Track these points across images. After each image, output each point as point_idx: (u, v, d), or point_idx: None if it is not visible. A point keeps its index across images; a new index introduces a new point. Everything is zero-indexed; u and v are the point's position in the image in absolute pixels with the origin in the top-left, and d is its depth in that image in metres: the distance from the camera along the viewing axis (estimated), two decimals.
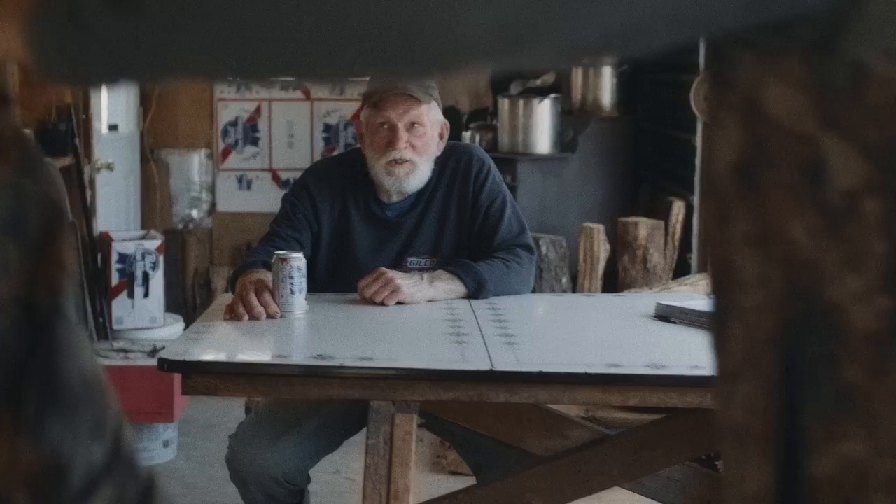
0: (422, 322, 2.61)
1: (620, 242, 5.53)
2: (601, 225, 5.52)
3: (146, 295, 4.99)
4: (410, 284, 2.83)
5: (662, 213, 5.73)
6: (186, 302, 6.72)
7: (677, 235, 5.57)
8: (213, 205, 7.02)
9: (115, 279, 4.97)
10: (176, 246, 6.63)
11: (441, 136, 3.12)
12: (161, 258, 5.02)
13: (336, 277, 3.09)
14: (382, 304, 2.79)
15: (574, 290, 5.59)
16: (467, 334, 2.44)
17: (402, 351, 2.28)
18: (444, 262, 3.06)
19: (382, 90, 3.01)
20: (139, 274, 4.98)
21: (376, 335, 2.45)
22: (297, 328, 2.59)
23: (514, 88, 6.46)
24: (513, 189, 5.58)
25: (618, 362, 2.21)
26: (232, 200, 7.01)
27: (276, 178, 7.02)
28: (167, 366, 2.14)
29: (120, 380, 4.24)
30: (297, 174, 6.96)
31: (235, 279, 2.86)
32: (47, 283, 0.72)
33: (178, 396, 4.48)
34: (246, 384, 2.15)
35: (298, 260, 2.63)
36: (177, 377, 4.35)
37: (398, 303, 2.79)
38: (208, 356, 2.18)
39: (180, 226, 6.95)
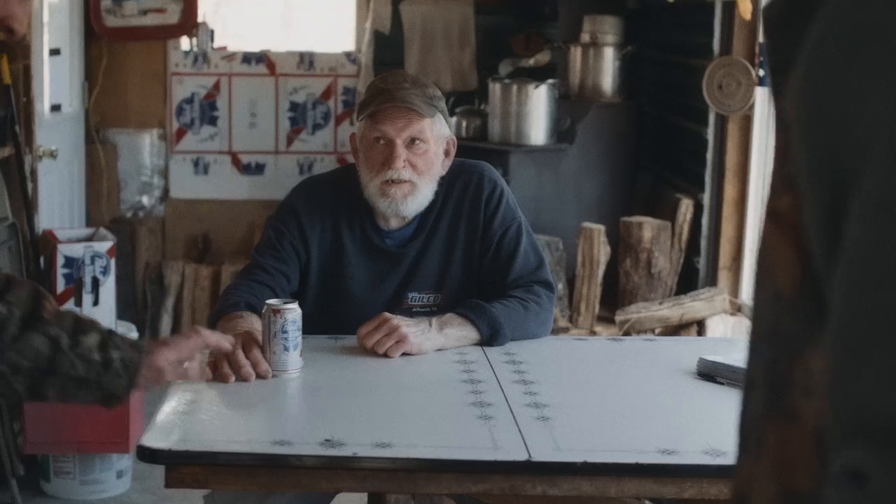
0: (437, 385, 2.46)
1: (622, 244, 5.44)
2: (601, 225, 5.42)
3: (96, 303, 4.79)
4: (417, 332, 2.67)
5: (666, 211, 5.62)
6: (136, 301, 6.54)
7: (685, 237, 5.47)
8: (165, 191, 6.84)
9: (60, 285, 4.76)
10: (124, 237, 6.45)
11: (447, 154, 2.98)
12: (112, 262, 4.82)
13: (327, 314, 2.95)
14: (386, 355, 2.63)
15: (571, 296, 5.47)
16: (492, 405, 2.30)
17: (421, 433, 2.13)
18: (450, 298, 2.93)
19: (380, 101, 2.84)
20: (88, 280, 4.77)
21: (388, 406, 2.29)
22: (293, 397, 2.44)
23: (504, 68, 6.30)
24: None
25: (672, 447, 2.09)
26: (187, 186, 6.84)
27: (236, 161, 6.85)
28: (148, 456, 1.97)
29: (69, 405, 4.05)
30: (260, 158, 7.00)
31: (215, 323, 2.70)
32: None
33: (134, 423, 4.30)
34: (242, 476, 1.98)
35: (293, 312, 2.46)
36: (135, 400, 4.20)
37: (403, 353, 2.64)
38: (196, 442, 2.00)
39: (129, 214, 6.76)
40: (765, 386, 0.76)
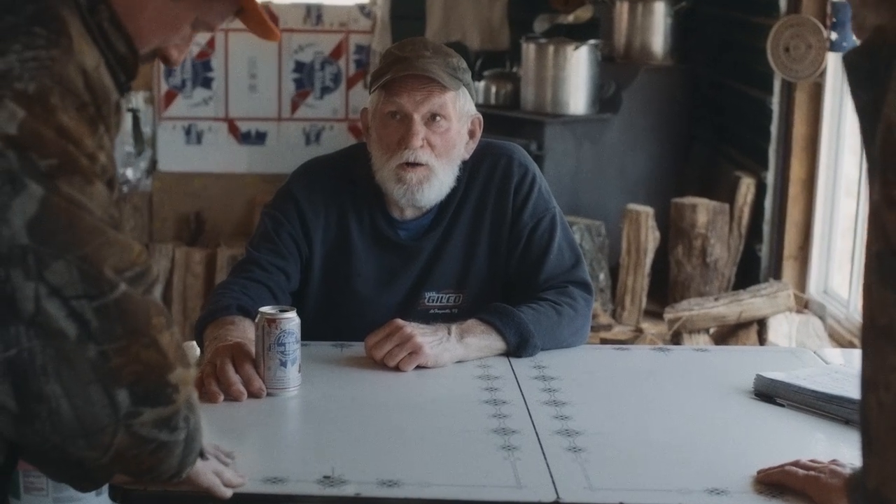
0: (455, 407, 2.43)
1: (673, 229, 5.42)
2: (649, 207, 5.39)
3: None
4: (434, 342, 2.65)
5: (723, 191, 5.60)
6: None
7: (745, 221, 5.45)
8: (153, 163, 6.84)
9: None
10: None
11: (471, 135, 2.95)
12: None
13: (331, 318, 2.93)
14: (398, 368, 2.61)
15: (614, 288, 5.45)
16: (517, 432, 2.27)
17: (435, 468, 2.10)
18: (472, 299, 2.91)
19: (397, 69, 2.81)
20: None
21: (397, 433, 2.27)
22: (290, 422, 2.41)
23: (539, 25, 6.26)
24: (538, 160, 5.42)
25: (722, 485, 2.07)
26: (178, 157, 6.85)
27: (233, 129, 6.86)
28: (121, 497, 1.95)
29: None
30: (260, 126, 6.98)
31: (202, 330, 2.68)
32: None
33: None
34: None
35: (290, 322, 2.44)
36: None
37: (418, 366, 2.62)
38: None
39: None
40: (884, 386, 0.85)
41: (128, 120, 6.72)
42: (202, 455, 1.89)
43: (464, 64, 2.92)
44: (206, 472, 1.92)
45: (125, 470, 1.77)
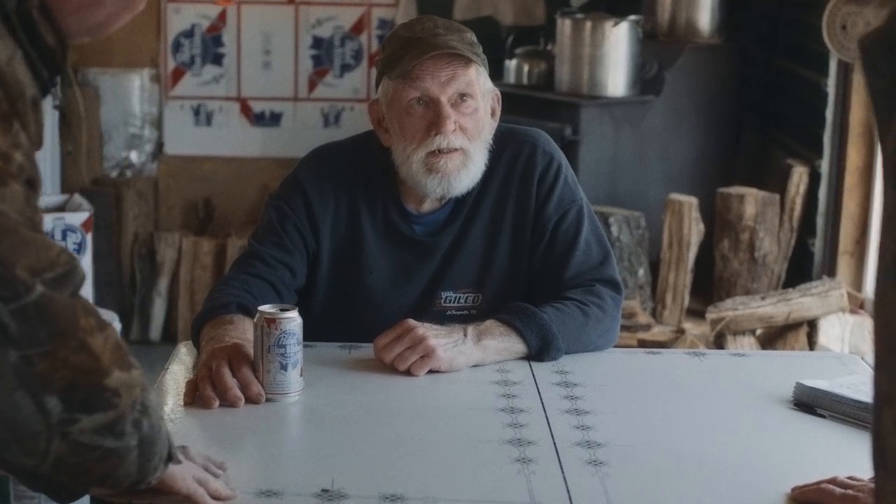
0: (468, 415, 2.45)
1: (719, 221, 5.41)
2: (693, 198, 5.38)
3: None
4: (448, 345, 2.67)
5: (774, 181, 5.58)
6: (122, 282, 6.59)
7: (796, 214, 5.44)
8: (159, 145, 6.89)
9: None
10: (108, 203, 6.49)
11: (492, 113, 2.96)
12: (89, 237, 4.85)
13: (339, 317, 2.97)
14: (409, 372, 2.62)
15: (654, 285, 5.45)
16: (533, 443, 2.29)
17: (442, 481, 2.12)
18: (492, 299, 2.93)
19: (414, 53, 2.82)
20: None
21: (404, 443, 2.29)
22: (288, 430, 2.43)
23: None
24: (573, 146, 5.43)
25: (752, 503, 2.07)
26: (185, 140, 6.88)
27: (245, 110, 6.88)
28: None
29: None
30: (275, 106, 7.00)
31: (199, 329, 2.71)
32: None
33: None
34: None
35: (292, 322, 2.46)
36: None
37: (431, 370, 2.63)
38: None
39: (114, 174, 6.81)
40: None
41: (134, 95, 6.76)
42: (172, 459, 1.90)
43: (475, 38, 2.93)
44: (184, 477, 1.93)
45: (76, 479, 1.78)
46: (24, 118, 1.69)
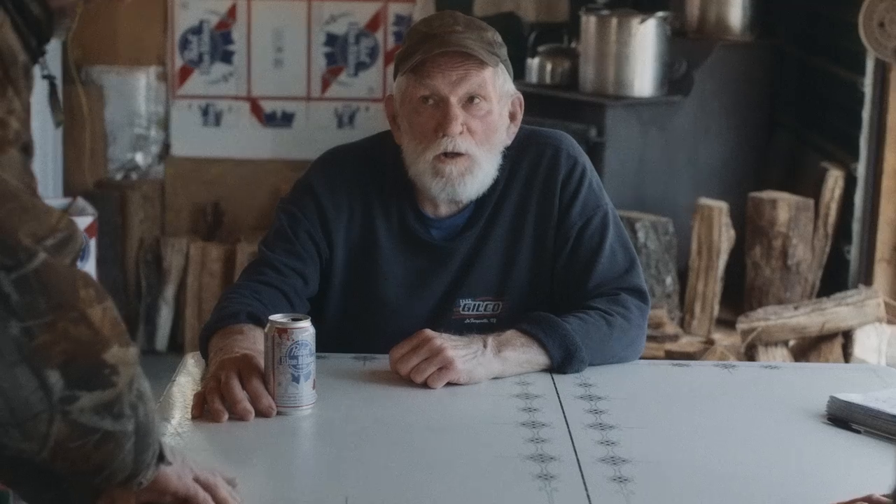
0: (487, 430, 2.45)
1: (751, 227, 5.41)
2: (723, 202, 5.39)
3: None
4: (467, 356, 2.67)
5: (808, 185, 5.59)
6: (127, 289, 6.60)
7: (831, 219, 5.44)
8: (166, 147, 6.91)
9: None
10: (113, 206, 6.51)
11: (512, 117, 2.97)
12: (93, 243, 4.87)
13: (353, 327, 2.98)
14: (426, 385, 2.63)
15: (682, 294, 5.46)
16: (555, 459, 2.29)
17: (460, 497, 2.13)
18: (513, 307, 2.93)
19: (426, 48, 2.83)
20: None
21: (422, 459, 2.29)
22: (300, 446, 2.44)
23: None
24: (598, 148, 5.44)
25: None
26: (193, 141, 6.90)
27: (256, 110, 6.90)
28: None
29: None
30: (287, 106, 7.02)
31: (208, 340, 2.72)
32: None
33: None
34: None
35: (304, 332, 2.46)
36: None
37: (449, 383, 2.64)
38: None
39: (119, 177, 6.83)
40: None
41: (140, 94, 6.78)
42: (164, 459, 1.90)
43: (499, 38, 2.93)
44: (180, 476, 1.92)
45: (73, 467, 1.77)
46: (17, 84, 1.71)
